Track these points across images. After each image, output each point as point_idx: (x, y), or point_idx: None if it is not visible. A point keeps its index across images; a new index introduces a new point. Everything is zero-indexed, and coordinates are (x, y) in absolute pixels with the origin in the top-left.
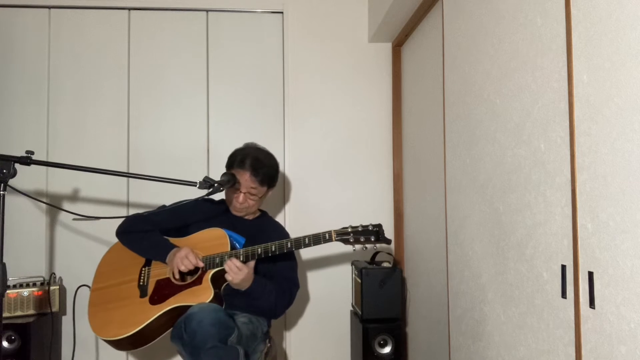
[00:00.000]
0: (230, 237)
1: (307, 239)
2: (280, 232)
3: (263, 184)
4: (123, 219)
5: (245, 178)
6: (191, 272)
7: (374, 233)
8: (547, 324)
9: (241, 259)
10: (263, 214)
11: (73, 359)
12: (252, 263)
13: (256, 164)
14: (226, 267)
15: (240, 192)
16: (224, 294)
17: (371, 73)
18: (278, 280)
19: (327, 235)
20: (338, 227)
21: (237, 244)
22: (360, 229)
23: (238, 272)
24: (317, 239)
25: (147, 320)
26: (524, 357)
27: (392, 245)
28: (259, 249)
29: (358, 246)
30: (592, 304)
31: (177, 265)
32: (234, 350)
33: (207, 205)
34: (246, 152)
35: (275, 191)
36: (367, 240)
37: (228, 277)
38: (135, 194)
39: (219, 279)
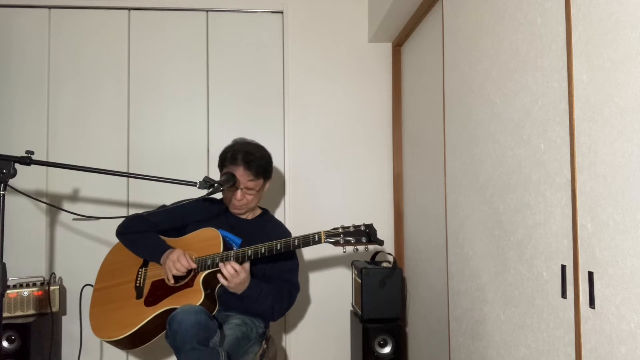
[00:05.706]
0: (225, 237)
1: (296, 241)
2: (280, 231)
3: (258, 176)
4: (123, 219)
5: (240, 173)
6: (184, 274)
7: (365, 234)
8: (547, 324)
9: (231, 260)
10: (264, 212)
11: (79, 358)
12: (247, 265)
13: (247, 156)
14: (223, 271)
15: (238, 188)
16: (219, 295)
17: (371, 73)
18: (277, 282)
19: (316, 236)
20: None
21: (233, 245)
22: (351, 229)
23: (236, 276)
24: (307, 241)
25: (141, 323)
26: (524, 357)
27: (392, 245)
28: (249, 251)
29: (349, 248)
30: (592, 304)
31: (170, 268)
32: (214, 352)
33: (205, 205)
34: (235, 147)
35: (275, 190)
36: (358, 242)
37: (224, 281)
38: (135, 194)
39: (211, 281)
